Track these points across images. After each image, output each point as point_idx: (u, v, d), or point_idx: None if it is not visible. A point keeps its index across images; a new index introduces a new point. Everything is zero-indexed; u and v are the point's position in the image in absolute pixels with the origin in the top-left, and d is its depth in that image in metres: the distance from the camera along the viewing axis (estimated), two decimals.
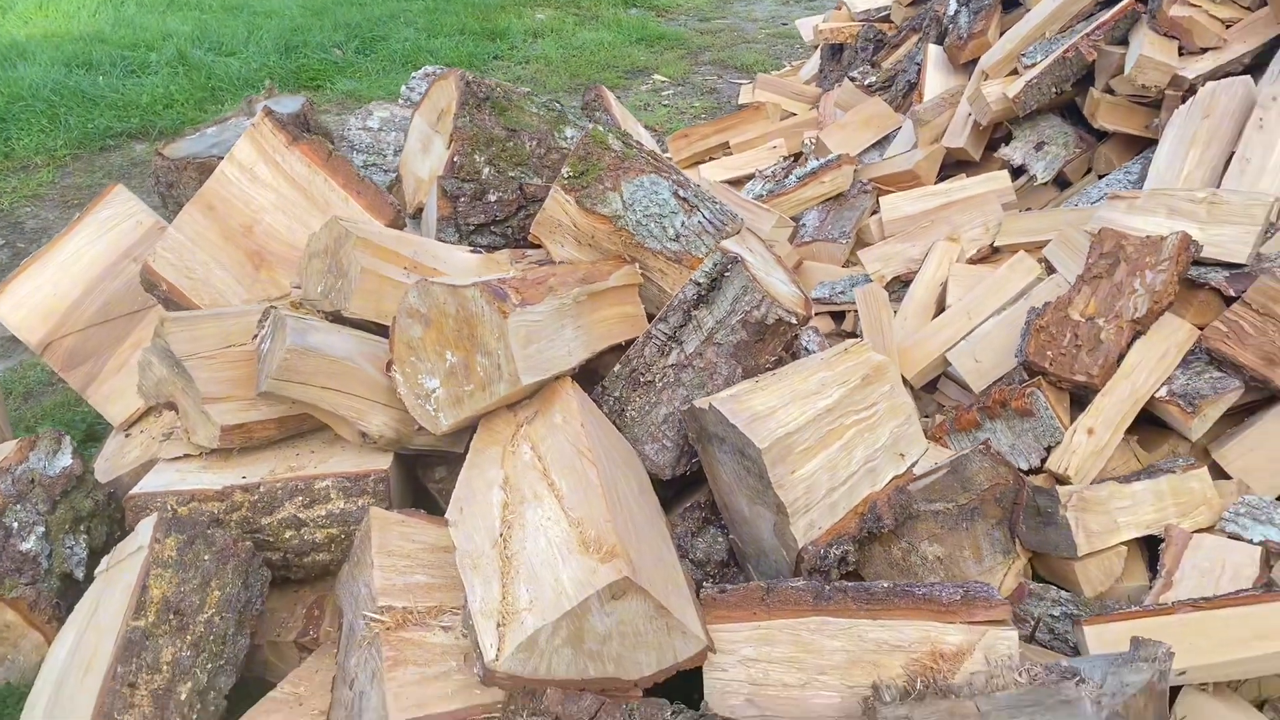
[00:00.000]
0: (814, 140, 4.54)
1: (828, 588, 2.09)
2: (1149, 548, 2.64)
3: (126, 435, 2.86)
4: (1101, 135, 3.77)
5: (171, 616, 1.94)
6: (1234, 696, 2.28)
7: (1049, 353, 2.78)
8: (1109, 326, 2.76)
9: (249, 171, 2.76)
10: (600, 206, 2.42)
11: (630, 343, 2.43)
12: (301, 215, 2.75)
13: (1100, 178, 3.71)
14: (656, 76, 7.77)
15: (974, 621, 2.05)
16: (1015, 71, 3.84)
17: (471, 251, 2.66)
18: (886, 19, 5.32)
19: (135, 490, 2.20)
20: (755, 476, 2.10)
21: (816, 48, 6.03)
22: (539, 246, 2.76)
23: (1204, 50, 3.42)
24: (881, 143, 4.49)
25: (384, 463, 2.28)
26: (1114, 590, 2.56)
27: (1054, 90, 3.69)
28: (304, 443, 2.40)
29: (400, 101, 4.50)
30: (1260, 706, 2.28)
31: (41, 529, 2.34)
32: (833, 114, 4.87)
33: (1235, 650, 2.17)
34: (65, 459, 2.48)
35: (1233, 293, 2.78)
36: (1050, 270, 3.14)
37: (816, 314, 3.58)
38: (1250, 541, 2.46)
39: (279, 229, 2.75)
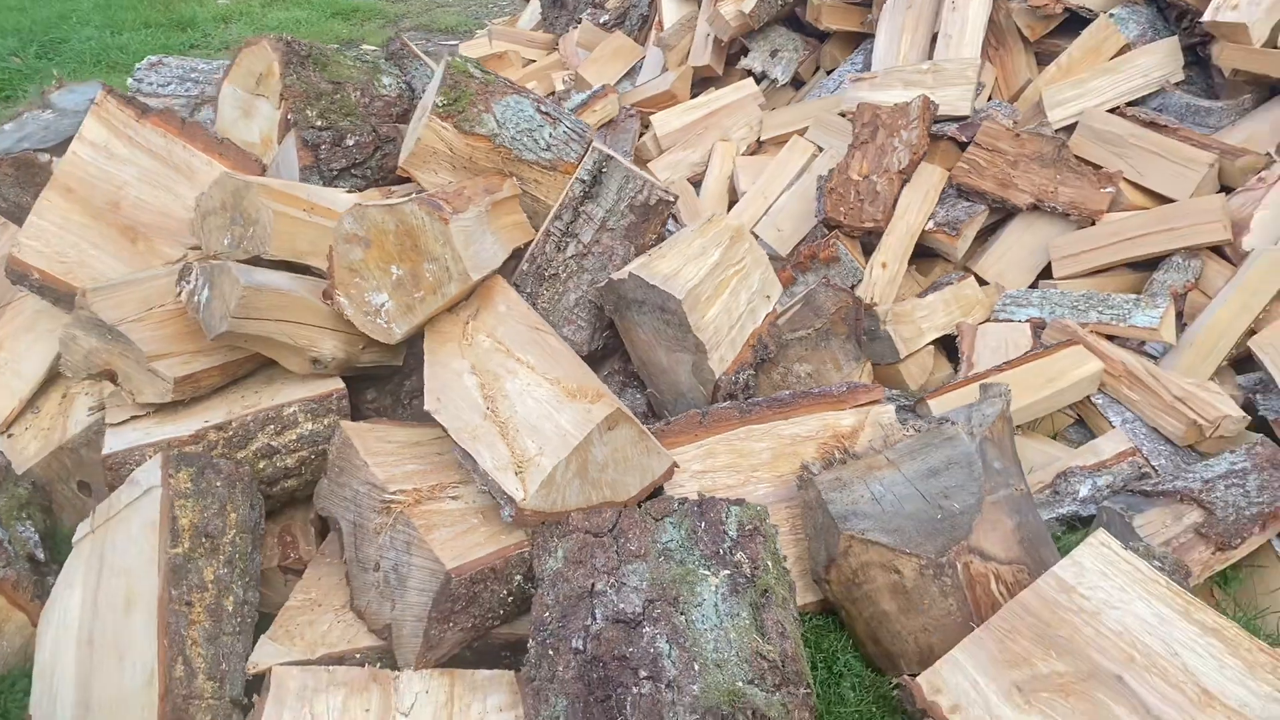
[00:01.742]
0: (572, 78, 4.93)
1: (747, 403, 2.55)
2: (947, 349, 3.31)
3: (9, 435, 2.83)
4: (823, 36, 4.44)
5: (204, 540, 2.08)
6: (1035, 434, 2.99)
7: (841, 209, 3.37)
8: (881, 180, 3.39)
9: (104, 150, 2.79)
10: (478, 128, 2.70)
11: (525, 246, 2.75)
12: (168, 184, 2.82)
13: (829, 72, 4.38)
14: (366, 46, 7.82)
15: (859, 404, 2.58)
16: None
17: (348, 192, 2.85)
18: None
19: (108, 451, 2.28)
20: (675, 327, 2.51)
21: (529, 1, 6.40)
22: (403, 182, 2.99)
23: None
24: (630, 73, 4.97)
25: (338, 383, 2.48)
26: (930, 381, 3.21)
27: (780, 3, 4.31)
28: (243, 387, 2.53)
29: (131, 94, 4.41)
30: (1054, 438, 2.99)
31: None
32: (576, 53, 5.29)
33: (1034, 394, 2.85)
34: None
35: (965, 138, 3.49)
36: (819, 149, 3.75)
37: None
38: (1019, 321, 3.17)
39: (147, 200, 2.81)
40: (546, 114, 2.80)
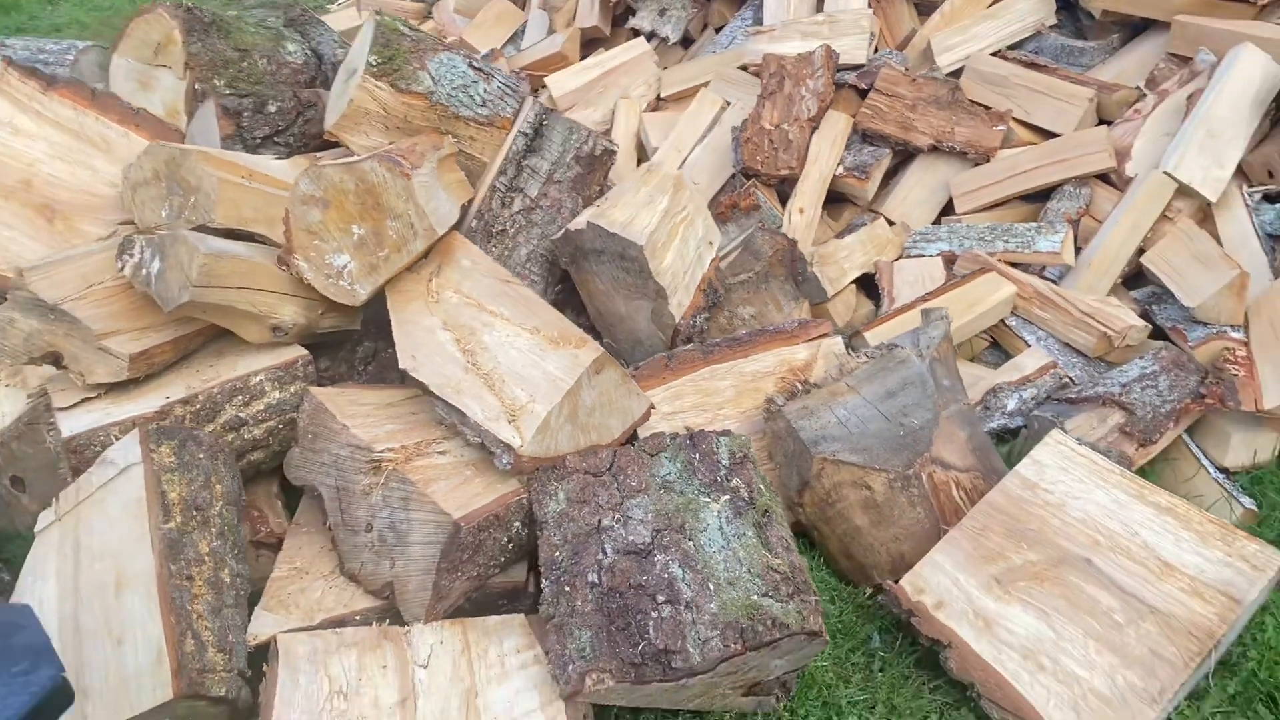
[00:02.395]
0: (458, 43, 4.87)
1: (708, 344, 2.63)
2: (865, 287, 3.47)
3: None
4: None
5: (195, 513, 2.02)
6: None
7: (758, 158, 3.48)
8: (793, 128, 3.51)
9: (8, 125, 2.62)
10: (414, 85, 2.67)
11: (468, 204, 2.74)
12: (82, 158, 2.68)
13: (717, 30, 4.48)
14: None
15: (811, 338, 2.70)
16: None
17: (277, 159, 2.77)
18: None
19: (69, 434, 2.17)
20: (634, 274, 2.56)
21: None
22: (327, 148, 2.93)
23: None
24: (513, 38, 4.95)
25: (300, 350, 2.43)
26: (855, 318, 3.36)
27: None
28: (194, 363, 2.45)
29: None
30: (972, 361, 3.19)
31: None
32: (454, 20, 5.22)
33: (957, 320, 3.03)
34: None
35: (864, 85, 3.65)
36: (727, 103, 3.84)
37: None
38: (931, 256, 3.36)
39: (62, 176, 2.66)
40: (479, 70, 2.79)
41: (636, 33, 4.56)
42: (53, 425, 2.35)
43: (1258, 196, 3.17)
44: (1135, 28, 3.69)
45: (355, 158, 2.32)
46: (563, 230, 2.59)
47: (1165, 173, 3.12)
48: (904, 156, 3.65)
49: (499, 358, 2.24)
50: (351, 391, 2.39)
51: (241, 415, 2.32)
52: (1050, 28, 3.75)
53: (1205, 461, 2.71)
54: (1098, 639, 2.06)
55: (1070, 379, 2.93)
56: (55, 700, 0.54)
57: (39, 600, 2.05)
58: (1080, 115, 3.46)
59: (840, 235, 3.47)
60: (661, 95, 4.16)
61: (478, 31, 4.91)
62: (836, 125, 3.58)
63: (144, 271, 2.31)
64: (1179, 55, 3.47)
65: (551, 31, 4.76)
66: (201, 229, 2.43)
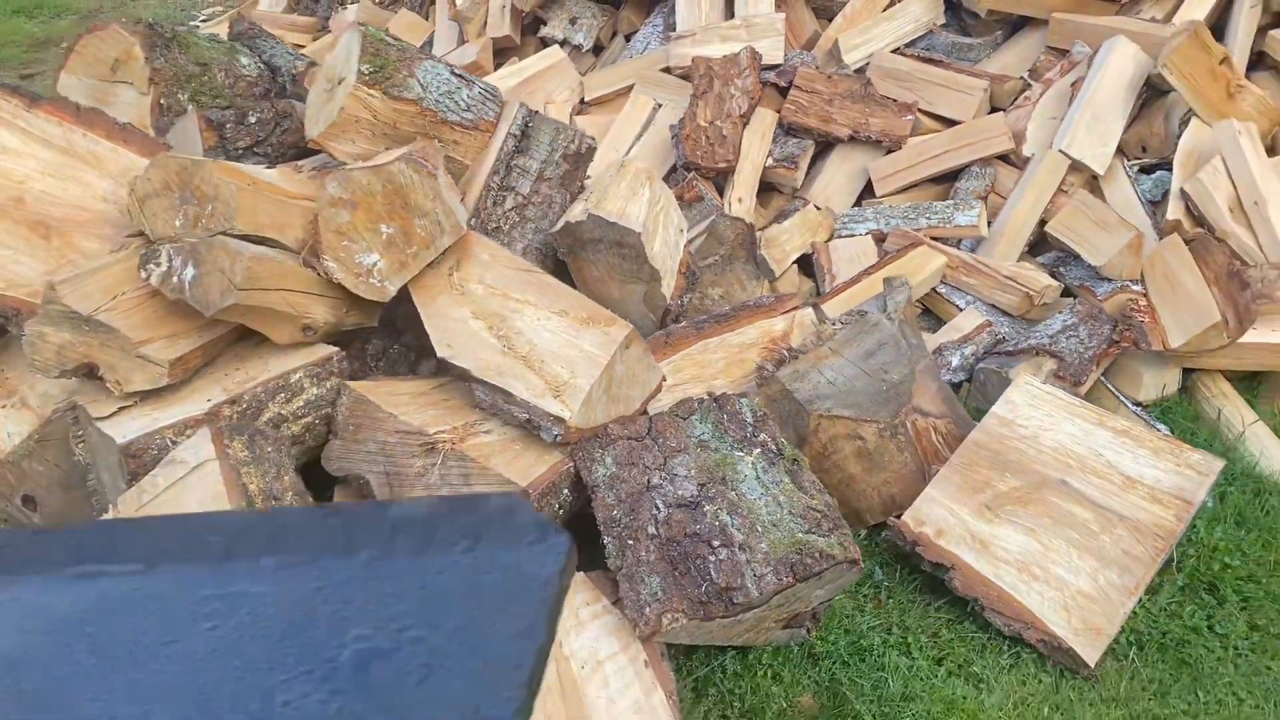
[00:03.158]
0: None
1: (699, 320, 2.86)
2: (802, 267, 3.77)
3: None
4: (617, 2, 4.77)
5: (273, 502, 2.11)
6: None
7: (698, 153, 3.73)
8: (726, 125, 3.78)
9: None
10: (406, 92, 2.80)
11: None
12: (74, 174, 2.68)
13: (627, 36, 4.72)
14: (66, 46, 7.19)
15: (786, 310, 2.97)
16: None
17: (268, 167, 2.84)
18: None
19: (125, 440, 2.22)
20: (630, 260, 2.77)
21: None
22: (306, 155, 3.02)
23: None
24: (423, 48, 5.04)
25: (331, 347, 2.53)
26: (799, 294, 3.66)
27: None
28: (221, 367, 2.51)
29: None
30: None
31: None
32: None
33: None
34: None
35: (784, 83, 3.96)
36: (658, 104, 4.08)
37: None
38: (862, 235, 3.69)
39: (55, 194, 2.66)
40: (460, 77, 2.94)
41: (545, 42, 4.75)
42: (82, 438, 2.38)
43: (1136, 169, 3.64)
44: (1014, 25, 4.14)
45: (382, 160, 2.44)
46: (562, 223, 2.77)
47: (1060, 151, 3.55)
48: (823, 146, 3.97)
49: (534, 340, 2.40)
50: (386, 383, 2.51)
51: (283, 412, 2.41)
52: (940, 27, 4.16)
53: (1122, 398, 3.12)
54: (1079, 547, 2.40)
55: (1004, 336, 3.30)
56: (572, 561, 0.70)
57: None
58: (977, 104, 3.87)
59: (778, 220, 3.76)
60: (585, 99, 4.37)
61: None
62: (764, 120, 3.88)
63: (175, 279, 2.36)
64: (1057, 48, 3.92)
65: (463, 42, 4.89)
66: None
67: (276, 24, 5.80)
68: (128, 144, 2.75)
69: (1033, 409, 2.60)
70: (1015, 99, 3.89)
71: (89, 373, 2.35)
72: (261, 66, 3.38)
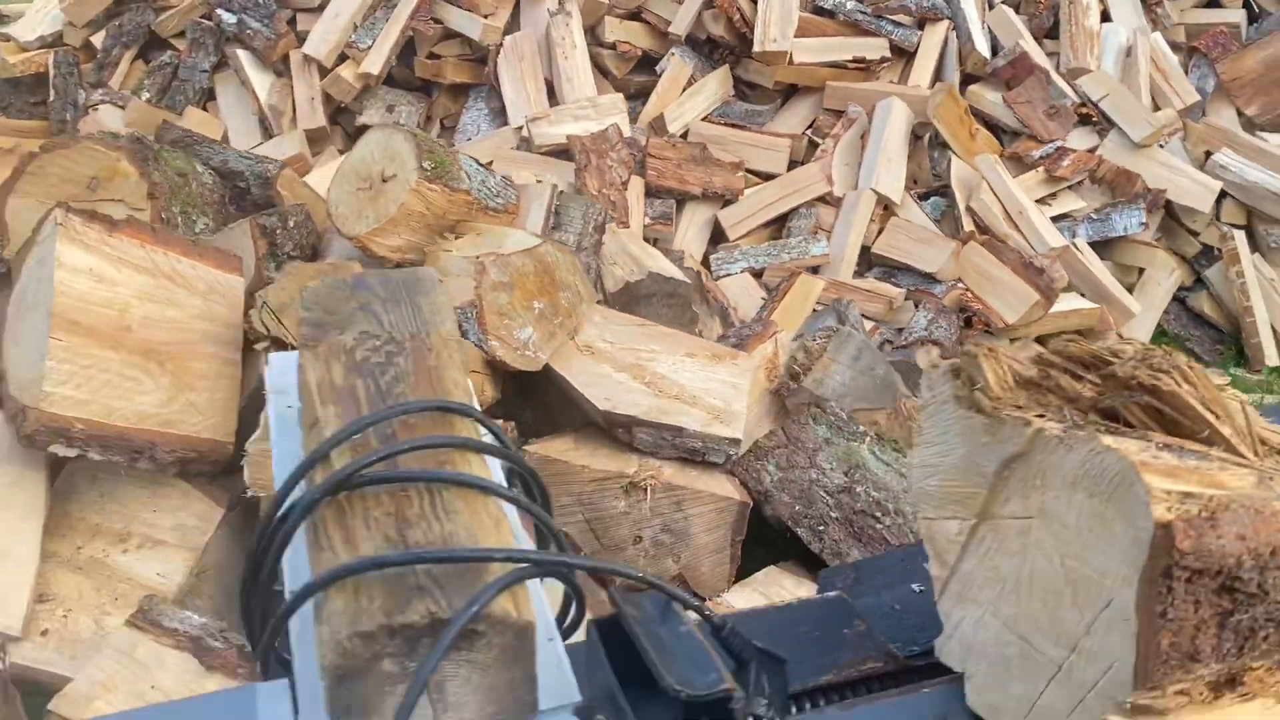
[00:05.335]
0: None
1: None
2: None
3: (44, 634, 2.38)
4: (428, 90, 5.02)
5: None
6: None
7: None
8: (612, 192, 4.29)
9: (91, 273, 2.45)
10: (461, 184, 3.02)
11: None
12: (167, 297, 2.58)
13: (441, 121, 4.99)
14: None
15: (770, 335, 3.58)
16: (344, 56, 4.76)
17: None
18: (62, 44, 5.31)
19: None
20: (677, 308, 3.22)
21: None
22: (313, 259, 3.10)
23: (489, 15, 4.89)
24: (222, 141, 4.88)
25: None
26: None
27: (394, 62, 4.78)
28: None
29: None
30: None
31: None
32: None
33: (801, 312, 4.10)
34: None
35: (639, 154, 4.55)
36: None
37: None
38: (739, 273, 4.38)
39: (155, 317, 2.54)
40: (482, 166, 3.20)
41: (360, 130, 4.88)
42: None
43: (917, 195, 4.72)
44: (785, 94, 5.09)
45: (534, 243, 2.70)
46: (622, 283, 3.15)
47: (872, 189, 4.52)
48: (680, 202, 4.62)
49: (679, 380, 2.80)
50: (552, 442, 2.74)
51: None
52: (733, 97, 4.99)
53: None
54: None
55: (889, 337, 4.17)
56: None
57: None
58: (784, 158, 4.74)
59: None
60: None
61: None
62: (636, 186, 4.44)
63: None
64: (833, 110, 4.92)
65: (267, 135, 4.85)
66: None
67: (7, 129, 5.21)
68: (204, 260, 2.70)
69: None
70: (814, 151, 4.83)
71: None
72: (212, 172, 3.33)
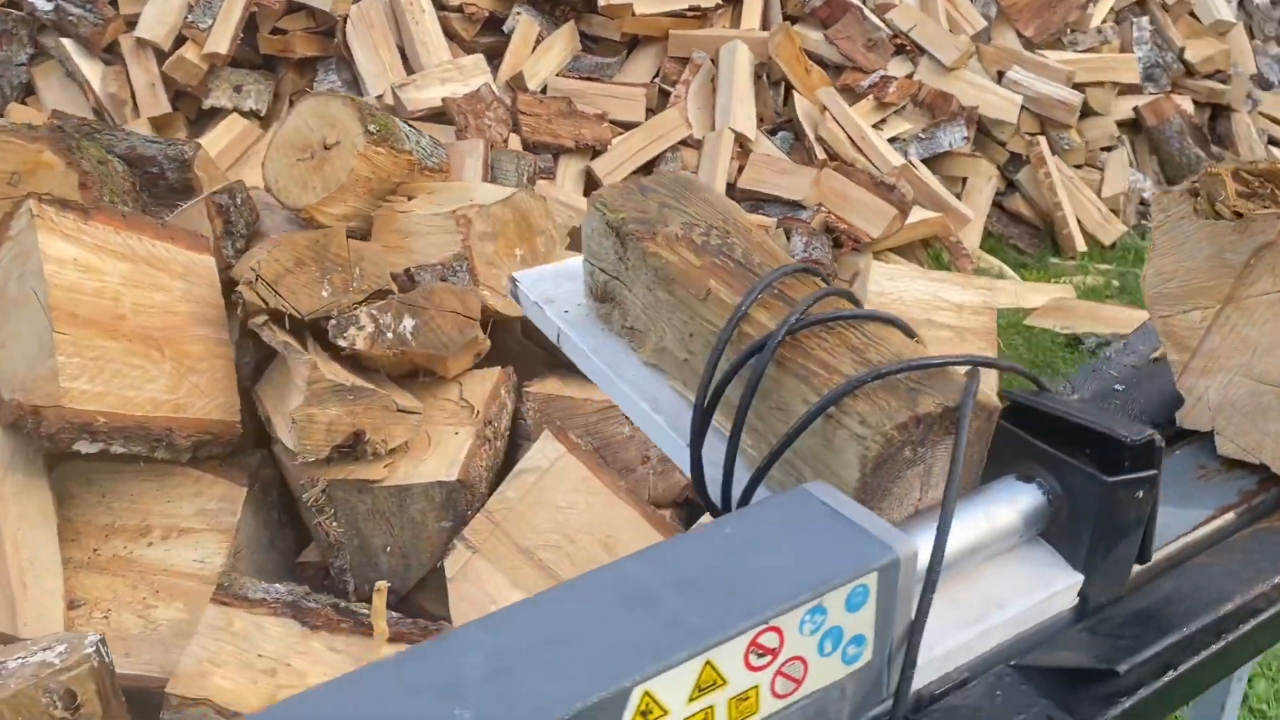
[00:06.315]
0: None
1: None
2: None
3: None
4: (272, 67, 4.85)
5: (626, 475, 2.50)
6: None
7: None
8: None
9: (77, 263, 2.35)
10: (404, 145, 3.05)
11: None
12: (151, 281, 2.51)
13: (290, 99, 4.86)
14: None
15: None
16: (184, 38, 4.54)
17: None
18: None
19: (453, 478, 2.37)
20: None
21: None
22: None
23: None
24: None
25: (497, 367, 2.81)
26: None
27: (239, 41, 4.60)
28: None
29: None
30: None
31: None
32: None
33: None
34: None
35: (509, 113, 4.63)
36: None
37: None
38: None
39: (144, 303, 2.47)
40: (412, 127, 3.23)
41: (202, 113, 4.70)
42: (334, 516, 2.43)
43: (766, 131, 5.06)
44: (630, 45, 5.29)
45: (509, 193, 2.79)
46: (568, 227, 3.28)
47: (730, 128, 4.82)
48: (557, 155, 4.75)
49: None
50: (543, 383, 2.87)
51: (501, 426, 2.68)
52: (581, 52, 5.14)
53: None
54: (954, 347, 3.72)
55: None
56: None
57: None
58: (641, 107, 4.96)
59: None
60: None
61: None
62: (514, 143, 4.52)
63: (390, 334, 2.50)
64: (677, 57, 5.16)
65: (115, 125, 4.57)
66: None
67: None
68: (176, 241, 2.64)
69: (891, 281, 3.84)
70: (664, 100, 5.07)
71: (357, 439, 2.40)
72: (118, 157, 3.19)
